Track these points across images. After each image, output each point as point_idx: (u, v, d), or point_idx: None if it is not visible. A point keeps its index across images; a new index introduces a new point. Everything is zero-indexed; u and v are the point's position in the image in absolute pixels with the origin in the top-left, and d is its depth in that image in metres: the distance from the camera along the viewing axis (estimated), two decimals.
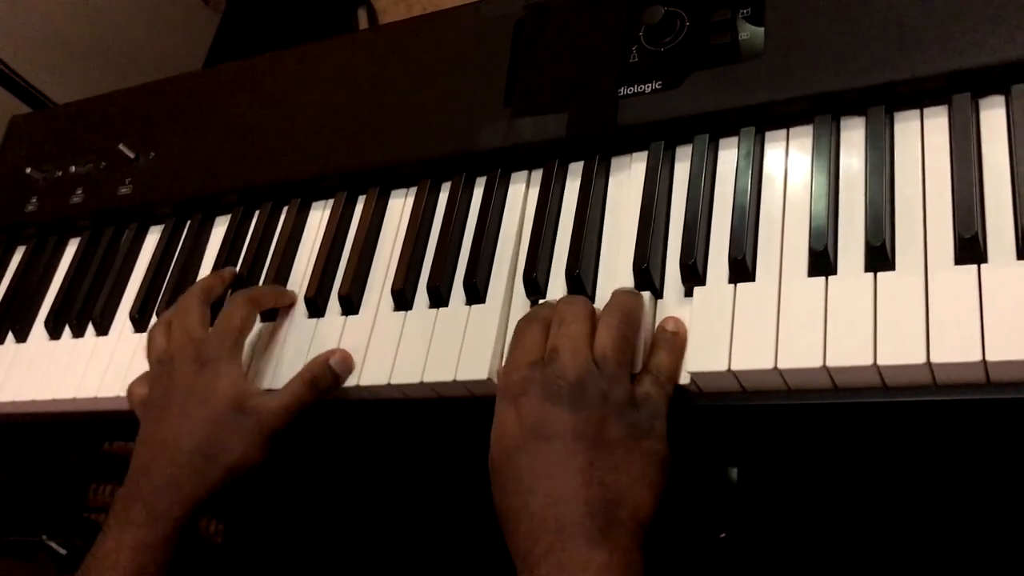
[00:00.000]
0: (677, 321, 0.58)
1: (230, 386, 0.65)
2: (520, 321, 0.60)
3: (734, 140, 0.63)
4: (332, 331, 0.70)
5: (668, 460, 0.54)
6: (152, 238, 0.88)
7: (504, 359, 0.61)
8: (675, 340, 0.57)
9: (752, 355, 0.54)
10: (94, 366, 0.80)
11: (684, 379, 0.56)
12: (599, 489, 0.51)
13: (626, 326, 0.56)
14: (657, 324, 0.59)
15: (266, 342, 0.73)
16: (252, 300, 0.70)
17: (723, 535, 0.84)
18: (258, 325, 0.74)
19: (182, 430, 0.65)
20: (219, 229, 0.84)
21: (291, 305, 0.74)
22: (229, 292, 0.76)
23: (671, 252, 0.62)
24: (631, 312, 0.57)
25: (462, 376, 0.62)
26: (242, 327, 0.68)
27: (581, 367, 0.54)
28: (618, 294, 0.59)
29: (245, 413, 0.65)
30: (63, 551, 1.21)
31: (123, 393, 0.76)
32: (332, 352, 0.67)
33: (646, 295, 0.60)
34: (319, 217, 0.79)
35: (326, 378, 0.66)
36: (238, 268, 0.80)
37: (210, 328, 0.69)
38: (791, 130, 0.62)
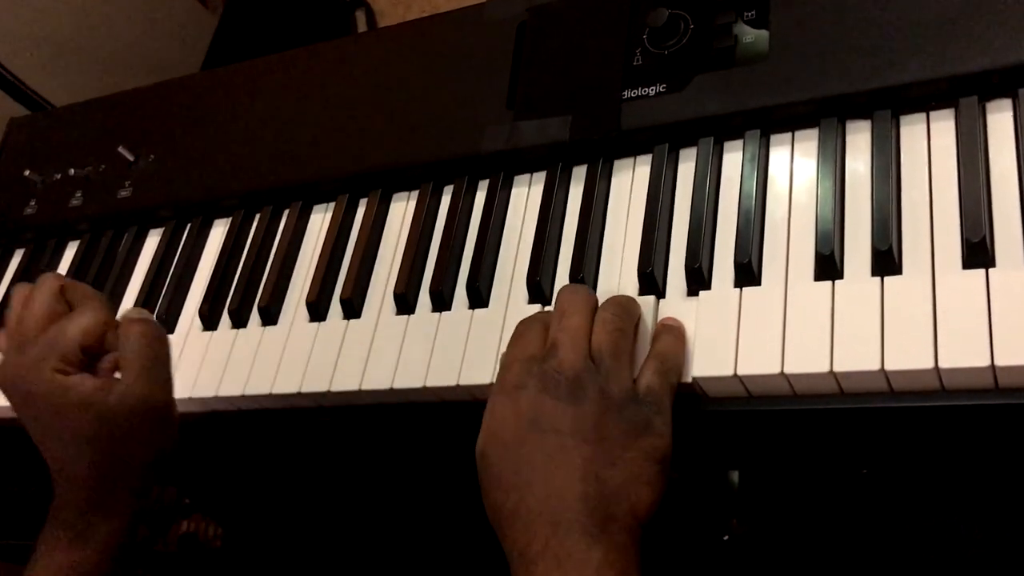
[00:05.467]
0: (675, 319, 0.58)
1: (76, 399, 0.60)
2: (520, 322, 0.59)
3: (739, 143, 0.63)
4: (334, 335, 0.70)
5: (669, 456, 0.53)
6: (152, 241, 0.87)
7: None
8: (676, 327, 0.57)
9: (758, 360, 0.54)
10: None
11: (687, 380, 0.56)
12: (596, 484, 0.51)
13: (621, 319, 0.56)
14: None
15: (267, 347, 0.72)
16: (105, 306, 0.64)
17: (726, 537, 0.83)
18: (259, 330, 0.74)
19: (64, 452, 0.61)
20: (219, 232, 0.84)
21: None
22: None
23: (676, 256, 0.61)
24: (628, 304, 0.57)
25: (465, 380, 0.62)
26: (78, 340, 0.61)
27: (579, 362, 0.54)
28: (613, 296, 0.59)
29: (103, 417, 0.60)
30: None
31: None
32: (130, 309, 0.65)
33: (650, 299, 0.59)
34: (320, 220, 0.79)
35: (145, 320, 0.63)
36: (238, 271, 0.79)
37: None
38: (796, 133, 0.62)
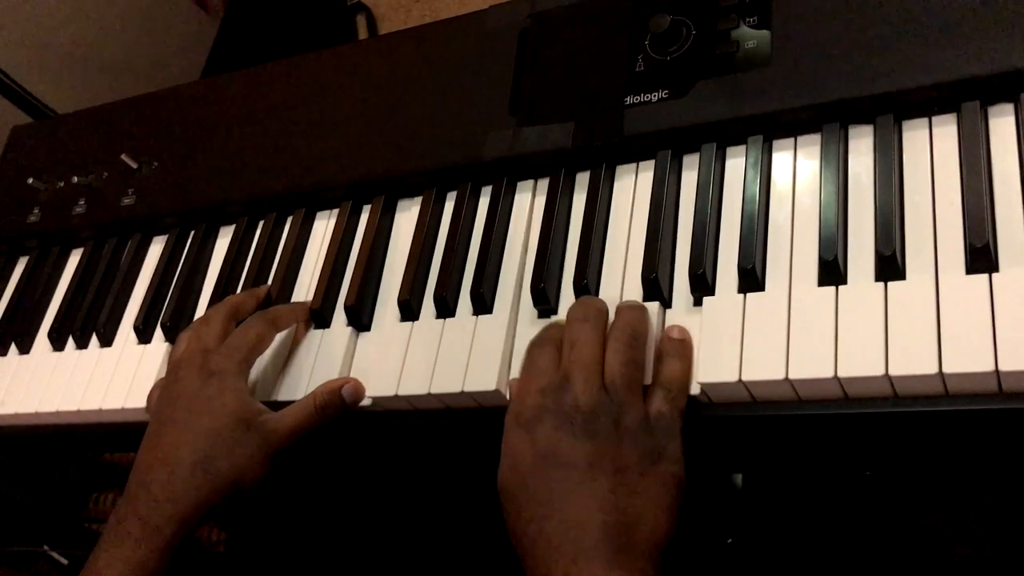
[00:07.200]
0: (682, 329, 0.58)
1: (234, 401, 0.64)
2: (531, 344, 0.59)
3: (742, 149, 0.63)
4: (338, 342, 0.70)
5: (684, 481, 0.54)
6: (156, 249, 0.88)
7: (515, 380, 0.60)
8: (683, 348, 0.57)
9: (763, 365, 0.54)
10: (98, 378, 0.79)
11: (694, 389, 0.56)
12: (615, 514, 0.51)
13: (632, 348, 0.56)
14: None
15: (271, 352, 0.72)
16: (271, 322, 0.70)
17: (729, 540, 0.83)
18: None
19: (182, 442, 0.63)
20: (223, 240, 0.84)
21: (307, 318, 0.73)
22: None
23: (679, 262, 0.61)
24: (637, 330, 0.57)
25: (470, 387, 0.62)
26: (255, 345, 0.68)
27: (593, 395, 0.54)
28: (623, 310, 0.59)
29: (251, 429, 0.64)
30: (64, 561, 1.21)
31: (127, 405, 0.76)
32: (345, 380, 0.66)
33: (654, 305, 0.59)
34: (324, 227, 0.79)
35: (336, 406, 0.66)
36: (242, 279, 0.79)
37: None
38: (799, 139, 0.62)
